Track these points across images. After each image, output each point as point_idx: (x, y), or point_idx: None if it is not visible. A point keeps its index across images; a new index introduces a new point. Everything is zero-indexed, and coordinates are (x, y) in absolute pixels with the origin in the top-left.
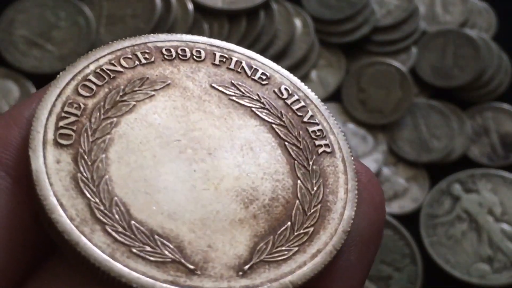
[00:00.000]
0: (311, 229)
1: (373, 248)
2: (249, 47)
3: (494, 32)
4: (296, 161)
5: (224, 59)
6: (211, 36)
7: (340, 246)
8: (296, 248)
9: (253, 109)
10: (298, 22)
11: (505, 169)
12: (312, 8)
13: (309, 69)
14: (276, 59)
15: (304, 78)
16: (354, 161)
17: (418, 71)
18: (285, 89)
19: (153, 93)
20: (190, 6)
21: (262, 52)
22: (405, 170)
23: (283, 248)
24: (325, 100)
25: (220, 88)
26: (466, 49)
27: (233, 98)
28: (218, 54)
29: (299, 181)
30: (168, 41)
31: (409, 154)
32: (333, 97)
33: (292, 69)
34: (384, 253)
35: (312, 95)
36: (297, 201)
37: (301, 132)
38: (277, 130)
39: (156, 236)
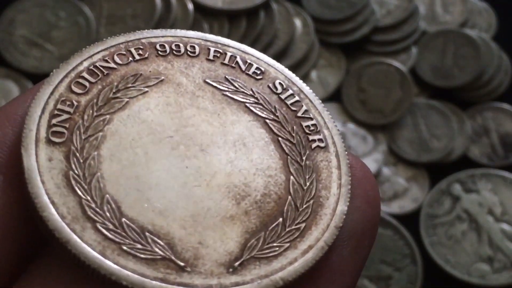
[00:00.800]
0: (303, 225)
1: (367, 243)
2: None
3: (494, 32)
4: (289, 157)
5: (219, 54)
6: None
7: (332, 241)
8: (288, 244)
9: (247, 104)
10: (298, 22)
11: (505, 169)
12: (312, 8)
13: (309, 69)
14: (276, 59)
15: (304, 78)
16: (349, 155)
17: (418, 71)
18: (280, 83)
19: (146, 89)
20: (190, 6)
21: (262, 52)
22: (405, 170)
23: (274, 244)
24: (325, 100)
25: (214, 84)
26: (466, 49)
27: (227, 93)
28: (212, 49)
29: (291, 177)
30: (162, 36)
31: (409, 154)
32: (333, 97)
33: (292, 69)
34: (384, 253)
35: (307, 89)
36: (289, 196)
37: (294, 127)
38: (270, 126)
39: (146, 233)
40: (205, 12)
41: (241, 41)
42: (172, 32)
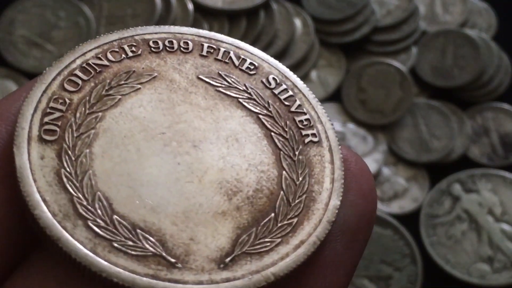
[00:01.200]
0: (295, 220)
1: (361, 238)
2: None
3: (494, 32)
4: (282, 152)
5: (212, 50)
6: None
7: (324, 236)
8: (279, 240)
9: (240, 100)
10: (298, 22)
11: (505, 169)
12: (312, 8)
13: (309, 69)
14: (276, 59)
15: (304, 78)
16: (344, 149)
17: (418, 71)
18: (273, 78)
19: (139, 86)
20: (190, 6)
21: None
22: (405, 170)
23: (266, 239)
24: (325, 100)
25: (207, 80)
26: (466, 49)
27: (220, 89)
28: (205, 45)
29: (284, 172)
30: (156, 33)
31: (409, 154)
32: (333, 97)
33: (292, 69)
34: (384, 253)
35: (300, 84)
36: (282, 192)
37: (288, 122)
38: (263, 121)
39: (138, 230)
40: (205, 12)
41: (241, 41)
42: (166, 28)
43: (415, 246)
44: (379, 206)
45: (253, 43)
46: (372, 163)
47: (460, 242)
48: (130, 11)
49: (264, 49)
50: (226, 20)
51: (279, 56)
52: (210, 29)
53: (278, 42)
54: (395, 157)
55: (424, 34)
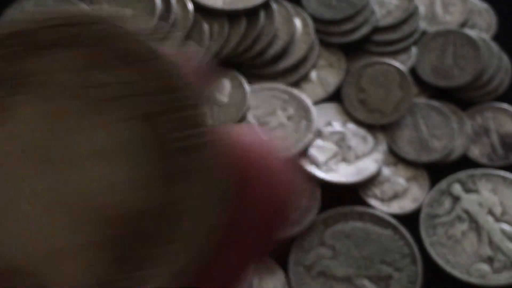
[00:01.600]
0: (164, 245)
1: (250, 241)
2: (249, 47)
3: (494, 32)
4: (154, 164)
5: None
6: (211, 36)
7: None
8: (144, 272)
9: (116, 103)
10: (298, 22)
11: (505, 169)
12: (312, 8)
13: (309, 69)
14: (276, 59)
15: (304, 78)
16: (233, 132)
17: (418, 71)
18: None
19: (19, 97)
20: (190, 6)
21: (262, 52)
22: (405, 170)
23: (128, 274)
24: (325, 100)
25: (86, 83)
26: (466, 49)
27: (96, 94)
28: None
29: (156, 188)
30: (40, 28)
31: (409, 154)
32: (333, 97)
33: (292, 69)
34: (384, 253)
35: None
36: (152, 213)
37: (166, 125)
38: (140, 127)
39: (7, 275)
40: (205, 12)
41: (241, 41)
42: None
43: (415, 246)
44: (379, 206)
45: (253, 43)
46: (372, 163)
47: (460, 242)
48: (130, 11)
49: (264, 49)
50: (226, 20)
51: (279, 56)
52: (210, 29)
53: (278, 42)
54: (395, 157)
55: (424, 34)
